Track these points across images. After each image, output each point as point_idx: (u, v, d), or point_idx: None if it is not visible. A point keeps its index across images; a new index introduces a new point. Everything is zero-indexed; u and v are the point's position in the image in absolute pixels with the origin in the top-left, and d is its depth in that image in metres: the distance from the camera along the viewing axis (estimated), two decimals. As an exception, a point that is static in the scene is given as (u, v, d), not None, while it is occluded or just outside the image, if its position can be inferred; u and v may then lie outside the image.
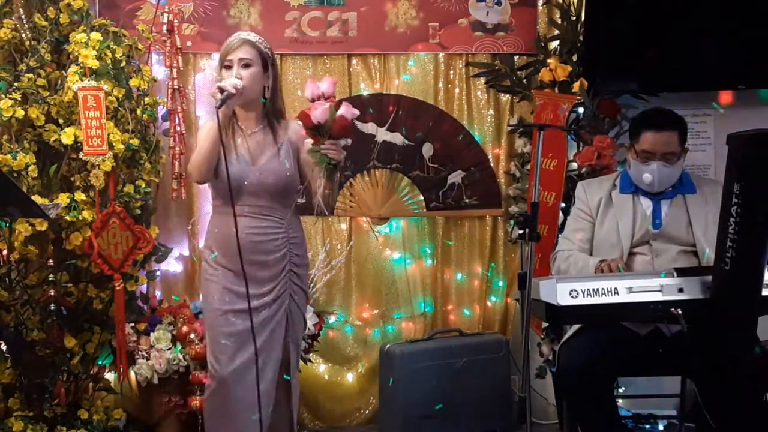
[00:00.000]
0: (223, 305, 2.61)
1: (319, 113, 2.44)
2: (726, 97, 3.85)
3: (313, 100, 2.50)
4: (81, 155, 3.10)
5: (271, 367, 2.62)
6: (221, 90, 2.47)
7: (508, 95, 4.02)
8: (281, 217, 2.65)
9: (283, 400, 2.71)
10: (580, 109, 3.72)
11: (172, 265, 3.80)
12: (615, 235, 2.87)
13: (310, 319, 3.52)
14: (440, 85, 4.02)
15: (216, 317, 2.62)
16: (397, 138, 3.98)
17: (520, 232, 2.71)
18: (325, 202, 2.57)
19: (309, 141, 2.57)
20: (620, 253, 2.83)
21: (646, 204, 2.89)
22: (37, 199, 2.96)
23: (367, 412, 3.98)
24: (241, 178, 2.57)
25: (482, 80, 4.02)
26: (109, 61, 3.19)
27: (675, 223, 2.84)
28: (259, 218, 2.61)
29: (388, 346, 3.68)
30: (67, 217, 3.09)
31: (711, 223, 2.75)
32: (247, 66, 2.58)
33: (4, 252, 3.15)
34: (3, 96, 3.07)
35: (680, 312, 2.37)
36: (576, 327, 2.84)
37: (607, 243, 2.87)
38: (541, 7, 4.00)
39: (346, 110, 2.48)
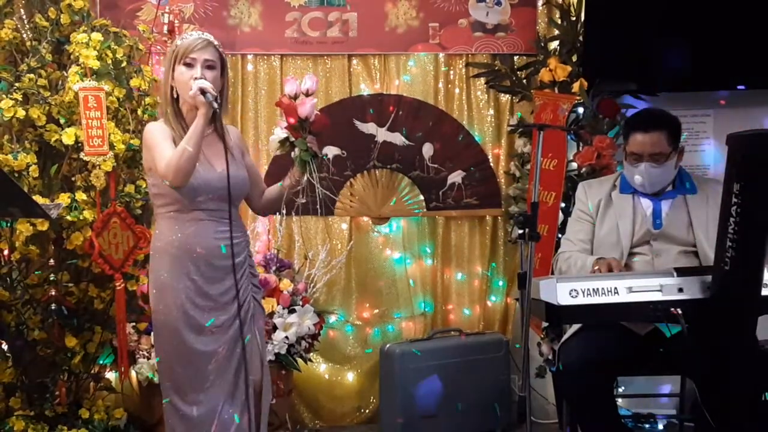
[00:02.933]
0: (191, 321, 2.47)
1: (307, 108, 2.47)
2: (726, 97, 3.86)
3: (295, 97, 2.50)
4: (82, 155, 3.10)
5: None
6: (203, 91, 2.37)
7: (508, 95, 4.03)
8: (237, 220, 2.61)
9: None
10: (580, 109, 3.73)
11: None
12: (615, 234, 2.86)
13: (310, 319, 3.52)
14: (440, 85, 4.03)
15: (181, 340, 2.46)
16: (398, 138, 3.98)
17: (520, 232, 2.70)
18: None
19: (278, 137, 2.54)
20: (620, 252, 2.83)
21: (646, 204, 2.87)
22: (38, 199, 2.96)
23: (367, 412, 3.98)
24: (207, 183, 2.48)
25: (482, 80, 4.03)
26: (109, 62, 3.20)
27: (675, 224, 2.83)
28: (221, 222, 2.52)
29: (388, 346, 3.68)
30: (68, 217, 3.09)
31: (712, 223, 2.72)
32: (210, 68, 2.49)
33: (6, 252, 3.15)
34: (4, 96, 3.07)
35: (680, 312, 2.37)
36: (576, 327, 2.84)
37: (607, 243, 2.87)
38: (540, 8, 4.01)
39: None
